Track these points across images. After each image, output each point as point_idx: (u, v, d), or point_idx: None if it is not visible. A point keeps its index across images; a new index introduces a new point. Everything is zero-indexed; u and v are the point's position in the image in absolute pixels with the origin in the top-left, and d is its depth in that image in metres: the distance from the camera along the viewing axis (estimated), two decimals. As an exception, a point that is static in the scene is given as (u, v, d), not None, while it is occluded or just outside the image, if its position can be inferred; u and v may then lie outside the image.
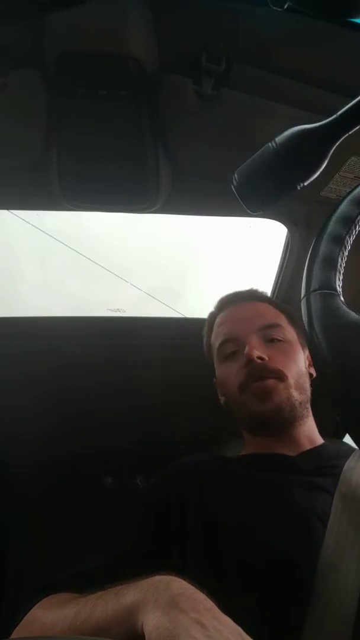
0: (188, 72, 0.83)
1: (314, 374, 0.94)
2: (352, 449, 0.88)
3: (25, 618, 0.63)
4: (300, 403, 0.88)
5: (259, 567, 0.65)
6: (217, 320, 1.03)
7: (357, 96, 0.50)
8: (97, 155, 0.92)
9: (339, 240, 0.48)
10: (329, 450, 0.89)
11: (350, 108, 0.50)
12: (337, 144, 0.52)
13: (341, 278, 0.46)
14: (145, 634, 0.45)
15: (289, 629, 0.60)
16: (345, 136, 0.52)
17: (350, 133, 0.51)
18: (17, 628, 0.63)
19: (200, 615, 0.45)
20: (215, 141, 0.93)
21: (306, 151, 0.53)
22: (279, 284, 1.28)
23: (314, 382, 0.95)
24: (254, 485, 0.78)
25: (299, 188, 0.55)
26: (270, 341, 0.93)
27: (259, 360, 0.87)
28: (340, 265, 0.47)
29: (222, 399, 1.01)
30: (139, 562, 0.63)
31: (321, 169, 0.54)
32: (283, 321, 0.97)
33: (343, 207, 0.50)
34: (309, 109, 0.84)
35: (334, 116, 0.51)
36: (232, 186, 0.57)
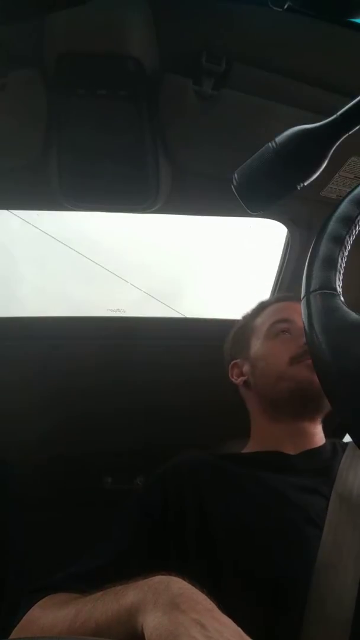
0: (188, 72, 0.83)
1: None
2: (345, 445, 0.88)
3: (24, 618, 0.63)
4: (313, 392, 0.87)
5: (256, 568, 0.65)
6: (273, 306, 1.03)
7: (357, 96, 0.50)
8: (97, 155, 0.92)
9: (339, 240, 0.48)
10: (327, 450, 0.89)
11: (350, 108, 0.50)
12: (337, 144, 0.52)
13: (341, 278, 0.46)
14: (145, 635, 0.45)
15: (288, 629, 0.60)
16: (345, 136, 0.52)
17: (350, 133, 0.51)
18: (16, 628, 0.63)
19: (201, 615, 0.45)
20: (215, 141, 0.93)
21: (306, 151, 0.53)
22: (279, 284, 1.28)
23: None
24: (252, 486, 0.78)
25: (299, 188, 0.55)
26: None
27: None
28: (340, 265, 0.47)
29: (239, 379, 1.00)
30: (139, 562, 0.63)
31: (321, 169, 0.54)
32: None
33: (343, 207, 0.50)
34: (309, 109, 0.84)
35: (334, 116, 0.51)
36: (232, 186, 0.57)
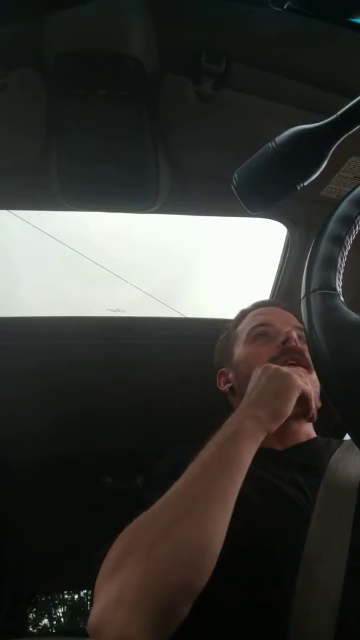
0: (188, 72, 0.83)
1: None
2: (340, 442, 0.88)
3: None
4: (314, 400, 0.88)
5: (244, 559, 0.66)
6: (252, 313, 1.06)
7: (357, 96, 0.50)
8: (97, 155, 0.92)
9: (338, 240, 0.48)
10: (317, 445, 0.89)
11: (350, 108, 0.50)
12: (337, 144, 0.52)
13: (341, 278, 0.46)
14: None
15: (276, 618, 0.61)
16: (345, 136, 0.52)
17: (350, 133, 0.51)
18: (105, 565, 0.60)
19: None
20: (215, 141, 0.93)
21: (306, 151, 0.53)
22: (279, 284, 1.28)
23: None
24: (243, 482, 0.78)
25: (299, 188, 0.55)
26: (300, 339, 0.96)
27: (295, 344, 0.91)
28: (340, 265, 0.46)
29: (225, 387, 1.03)
30: None
31: (321, 169, 0.54)
32: None
33: (343, 207, 0.50)
34: (309, 109, 0.84)
35: (334, 116, 0.51)
36: (232, 186, 0.57)
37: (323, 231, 0.48)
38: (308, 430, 0.93)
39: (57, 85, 0.81)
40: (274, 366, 0.83)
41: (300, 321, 1.01)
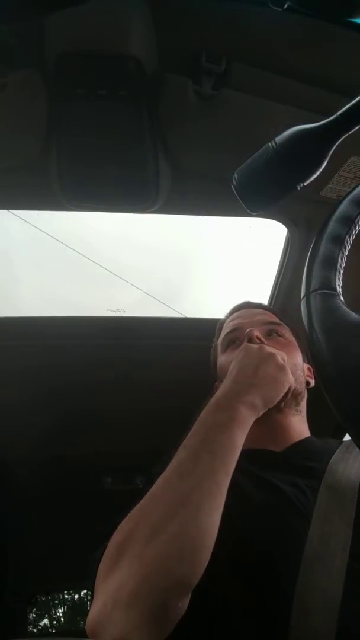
0: (188, 72, 0.83)
1: (312, 384, 0.98)
2: (339, 443, 0.88)
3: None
4: (294, 390, 0.88)
5: (243, 560, 0.66)
6: (227, 320, 1.08)
7: (357, 96, 0.50)
8: (97, 155, 0.92)
9: (338, 240, 0.48)
10: (315, 445, 0.89)
11: (350, 108, 0.50)
12: (337, 144, 0.52)
13: (341, 278, 0.46)
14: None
15: (276, 619, 0.61)
16: (345, 136, 0.52)
17: (350, 133, 0.51)
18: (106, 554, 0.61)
19: None
20: (215, 141, 0.93)
21: (306, 151, 0.53)
22: (279, 284, 1.28)
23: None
24: (240, 478, 0.78)
25: (299, 188, 0.55)
26: (270, 335, 0.98)
27: (258, 340, 0.92)
28: (340, 265, 0.46)
29: None
30: None
31: (321, 169, 0.54)
32: (285, 327, 1.03)
33: (343, 207, 0.50)
34: (309, 109, 0.84)
35: (334, 116, 0.51)
36: (232, 186, 0.57)
37: (323, 231, 0.48)
38: (299, 428, 0.92)
39: (57, 85, 0.81)
40: (277, 356, 0.82)
41: (275, 314, 1.03)
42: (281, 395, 0.79)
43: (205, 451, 0.66)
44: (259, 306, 1.10)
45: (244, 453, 0.90)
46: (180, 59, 0.82)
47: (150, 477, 0.88)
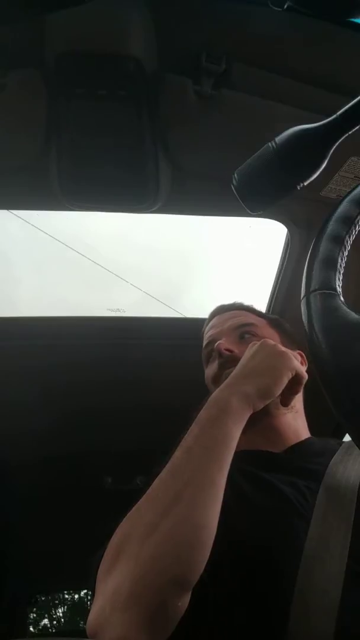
0: (188, 72, 0.83)
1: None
2: (339, 444, 0.88)
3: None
4: (299, 375, 0.87)
5: (243, 560, 0.66)
6: (206, 328, 1.10)
7: (357, 96, 0.50)
8: (97, 155, 0.92)
9: (338, 240, 0.47)
10: (315, 445, 0.89)
11: (350, 108, 0.50)
12: (337, 144, 0.52)
13: (341, 278, 0.46)
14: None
15: (275, 619, 0.61)
16: (345, 136, 0.52)
17: (350, 133, 0.51)
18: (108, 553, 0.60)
19: None
20: (215, 141, 0.93)
21: (306, 151, 0.53)
22: (278, 284, 1.28)
23: (312, 383, 0.96)
24: (240, 479, 0.78)
25: (299, 188, 0.55)
26: (242, 338, 0.98)
27: (227, 352, 0.93)
28: (340, 265, 0.46)
29: None
30: None
31: (321, 169, 0.54)
32: (260, 323, 1.03)
33: (343, 207, 0.50)
34: (309, 109, 0.84)
35: (334, 116, 0.51)
36: (232, 186, 0.57)
37: (323, 231, 0.48)
38: (297, 428, 0.92)
39: (57, 85, 0.81)
40: (271, 343, 0.81)
41: (251, 312, 1.03)
42: (281, 382, 0.74)
43: (197, 446, 0.65)
44: (231, 307, 1.10)
45: (244, 454, 0.90)
46: (180, 59, 0.82)
47: (150, 476, 0.88)
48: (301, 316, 0.46)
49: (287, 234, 1.19)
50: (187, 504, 0.58)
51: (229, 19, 0.80)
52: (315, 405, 0.95)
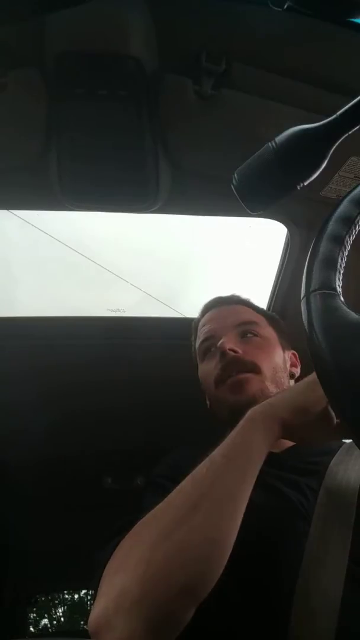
0: (188, 72, 0.83)
1: (297, 374, 0.97)
2: (340, 444, 0.88)
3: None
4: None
5: (244, 562, 0.65)
6: (200, 323, 1.07)
7: (357, 96, 0.50)
8: (97, 155, 0.92)
9: (338, 240, 0.48)
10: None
11: (350, 108, 0.50)
12: (337, 144, 0.52)
13: (341, 278, 0.46)
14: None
15: (275, 621, 0.61)
16: (345, 136, 0.52)
17: (350, 133, 0.51)
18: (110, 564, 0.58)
19: None
20: (215, 141, 0.93)
21: (306, 151, 0.53)
22: (278, 284, 1.28)
23: None
24: None
25: (299, 188, 0.55)
26: (244, 337, 0.96)
27: (232, 353, 0.90)
28: (340, 265, 0.46)
29: (208, 403, 1.02)
30: None
31: (321, 169, 0.54)
32: (261, 321, 1.01)
33: (343, 207, 0.50)
34: (309, 109, 0.84)
35: (334, 116, 0.51)
36: (232, 186, 0.57)
37: (323, 231, 0.48)
38: None
39: (57, 85, 0.81)
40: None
41: (250, 307, 1.02)
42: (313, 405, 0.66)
43: (219, 455, 0.63)
44: (229, 301, 1.07)
45: None
46: (180, 59, 0.82)
47: (150, 477, 0.88)
48: (301, 316, 0.46)
49: (287, 234, 1.19)
50: (202, 516, 0.56)
51: (229, 19, 0.80)
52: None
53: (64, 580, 2.48)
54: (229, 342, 0.92)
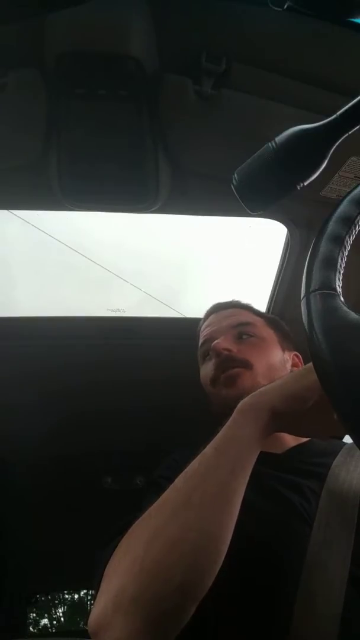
0: (188, 72, 0.83)
1: None
2: (341, 445, 0.87)
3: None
4: None
5: (245, 565, 0.65)
6: (202, 325, 1.10)
7: (357, 96, 0.50)
8: (97, 155, 0.92)
9: (338, 240, 0.47)
10: (317, 447, 0.88)
11: (350, 108, 0.50)
12: (337, 144, 0.52)
13: (341, 278, 0.46)
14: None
15: (278, 624, 0.60)
16: (345, 136, 0.52)
17: (350, 133, 0.51)
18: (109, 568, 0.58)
19: None
20: (215, 141, 0.93)
21: (306, 151, 0.53)
22: (278, 284, 1.28)
23: None
24: None
25: (299, 188, 0.55)
26: (240, 338, 0.98)
27: (225, 352, 0.93)
28: (340, 266, 0.46)
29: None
30: None
31: (321, 169, 0.54)
32: (258, 322, 1.03)
33: (343, 207, 0.50)
34: (309, 109, 0.84)
35: (334, 116, 0.51)
36: (232, 186, 0.57)
37: (323, 231, 0.48)
38: None
39: (57, 85, 0.81)
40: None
41: (249, 310, 1.02)
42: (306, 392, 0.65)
43: (209, 449, 0.62)
44: (228, 306, 1.10)
45: None
46: (180, 59, 0.82)
47: (150, 477, 0.88)
48: (301, 316, 0.45)
49: (287, 234, 1.19)
50: (195, 510, 0.56)
51: (229, 19, 0.80)
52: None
53: (64, 580, 2.48)
54: (223, 342, 0.94)
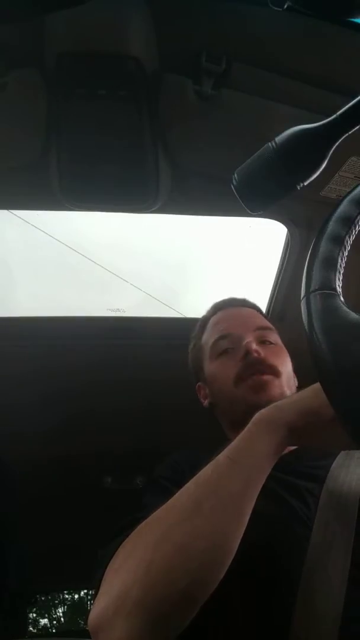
0: (188, 72, 0.83)
1: (296, 384, 0.97)
2: None
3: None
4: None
5: (245, 566, 0.65)
6: (212, 320, 1.05)
7: (357, 96, 0.50)
8: (97, 155, 0.92)
9: (338, 240, 0.47)
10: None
11: (350, 108, 0.50)
12: (337, 144, 0.52)
13: (341, 278, 0.46)
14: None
15: (278, 625, 0.60)
16: (345, 136, 0.52)
17: (350, 133, 0.51)
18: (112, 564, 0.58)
19: None
20: (215, 141, 0.93)
21: (306, 151, 0.53)
22: (278, 284, 1.28)
23: (312, 383, 0.96)
24: None
25: (299, 188, 0.55)
26: (263, 342, 0.96)
27: (256, 354, 0.90)
28: (340, 266, 0.46)
29: (205, 402, 1.02)
30: None
31: (321, 169, 0.54)
32: (274, 330, 1.01)
33: (343, 207, 0.50)
34: (309, 109, 0.84)
35: (334, 116, 0.51)
36: (232, 186, 0.57)
37: (323, 231, 0.48)
38: None
39: (57, 85, 0.81)
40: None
41: (262, 315, 1.02)
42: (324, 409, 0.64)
43: (223, 457, 0.61)
44: (246, 304, 1.07)
45: None
46: (180, 59, 0.82)
47: (150, 477, 0.88)
48: (301, 316, 0.45)
49: (287, 234, 1.19)
50: (204, 517, 0.55)
51: (229, 19, 0.80)
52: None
53: (64, 580, 2.48)
54: (254, 344, 0.91)
